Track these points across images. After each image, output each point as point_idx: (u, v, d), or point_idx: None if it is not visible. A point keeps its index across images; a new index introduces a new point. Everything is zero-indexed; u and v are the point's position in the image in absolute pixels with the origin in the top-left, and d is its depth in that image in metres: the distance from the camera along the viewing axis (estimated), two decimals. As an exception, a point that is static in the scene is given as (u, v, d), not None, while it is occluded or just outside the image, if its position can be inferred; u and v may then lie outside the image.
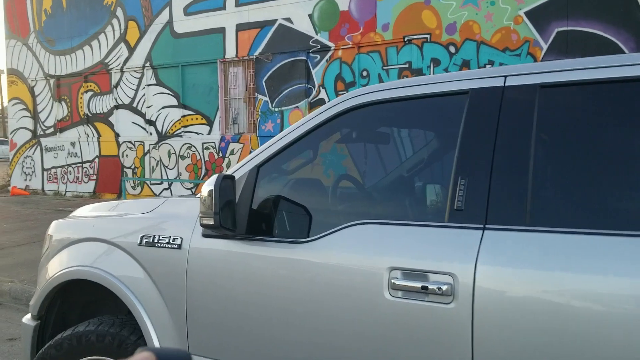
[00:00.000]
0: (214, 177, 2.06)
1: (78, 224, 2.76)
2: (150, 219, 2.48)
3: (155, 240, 2.37)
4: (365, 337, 1.85)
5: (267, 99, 11.08)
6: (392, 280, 1.80)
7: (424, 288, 1.74)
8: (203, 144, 11.76)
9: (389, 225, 1.92)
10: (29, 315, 2.83)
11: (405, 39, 9.66)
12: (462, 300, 1.69)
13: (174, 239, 2.32)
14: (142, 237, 2.42)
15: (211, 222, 2.03)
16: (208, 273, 2.22)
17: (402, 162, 2.68)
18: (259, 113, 11.17)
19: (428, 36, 9.49)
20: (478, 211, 1.76)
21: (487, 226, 1.74)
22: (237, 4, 11.21)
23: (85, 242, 2.63)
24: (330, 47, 10.35)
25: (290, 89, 10.79)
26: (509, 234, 1.70)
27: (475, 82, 1.94)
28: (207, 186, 2.05)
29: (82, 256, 2.59)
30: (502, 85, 1.89)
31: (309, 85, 10.58)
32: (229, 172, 2.32)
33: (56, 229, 2.83)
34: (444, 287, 1.71)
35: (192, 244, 2.27)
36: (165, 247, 2.33)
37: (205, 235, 2.24)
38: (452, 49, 9.30)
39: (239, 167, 2.29)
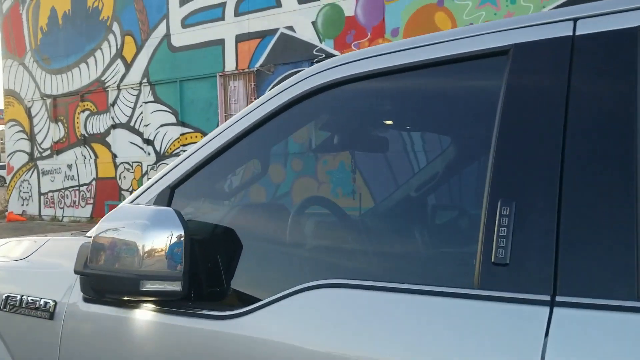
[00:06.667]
0: (151, 210, 1.22)
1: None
2: (22, 268, 1.65)
3: (22, 305, 1.54)
4: None
5: (269, 113, 10.29)
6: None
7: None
8: (203, 163, 10.99)
9: (369, 291, 1.06)
10: None
11: (417, 45, 8.83)
12: None
13: (45, 303, 1.49)
14: (6, 297, 1.59)
15: (176, 288, 1.19)
16: (88, 356, 1.38)
17: (396, 177, 1.76)
18: (262, 129, 10.38)
19: (442, 41, 8.65)
20: (539, 267, 0.91)
21: (557, 299, 0.88)
22: (237, 14, 10.49)
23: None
24: (336, 55, 9.56)
25: (294, 102, 10.00)
26: (605, 315, 0.84)
27: (521, 32, 1.09)
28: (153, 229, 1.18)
29: None
30: (571, 34, 1.04)
31: (314, 98, 9.78)
32: (130, 199, 1.49)
33: None
34: None
35: (68, 310, 1.43)
36: (32, 315, 1.50)
37: (86, 300, 1.40)
38: (468, 54, 8.45)
39: (142, 192, 1.46)
